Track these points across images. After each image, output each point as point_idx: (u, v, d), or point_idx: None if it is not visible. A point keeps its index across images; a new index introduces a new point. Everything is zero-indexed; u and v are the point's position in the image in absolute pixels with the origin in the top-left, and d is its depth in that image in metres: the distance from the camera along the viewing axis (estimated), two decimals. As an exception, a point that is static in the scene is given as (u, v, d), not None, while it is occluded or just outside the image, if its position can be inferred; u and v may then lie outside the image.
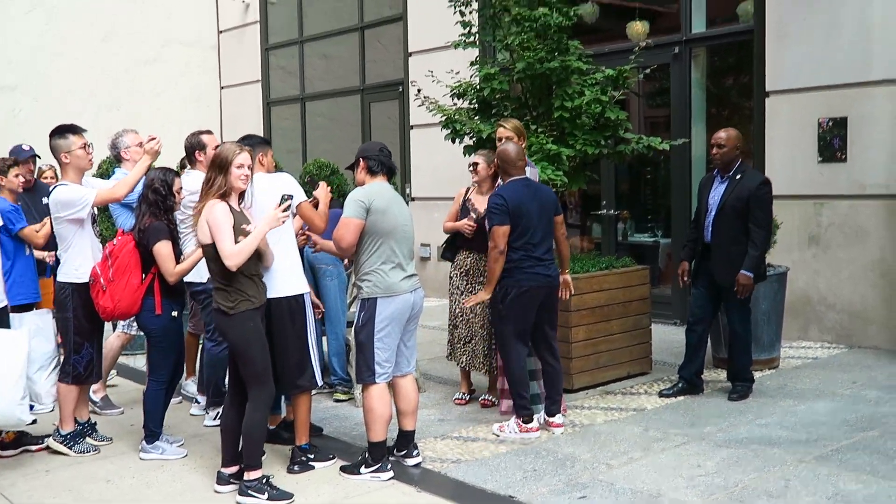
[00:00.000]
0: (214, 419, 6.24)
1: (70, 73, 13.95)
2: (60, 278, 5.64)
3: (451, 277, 6.57)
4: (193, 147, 6.26)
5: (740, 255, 6.23)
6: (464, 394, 6.64)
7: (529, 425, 5.74)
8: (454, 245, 6.58)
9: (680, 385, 6.54)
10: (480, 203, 6.39)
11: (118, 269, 5.40)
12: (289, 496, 4.86)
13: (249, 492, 4.85)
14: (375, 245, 5.06)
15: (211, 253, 4.86)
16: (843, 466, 4.95)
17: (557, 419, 5.89)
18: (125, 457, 5.67)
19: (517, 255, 5.66)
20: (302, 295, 5.27)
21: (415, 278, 5.18)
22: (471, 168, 6.49)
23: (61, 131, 5.68)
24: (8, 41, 13.55)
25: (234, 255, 4.76)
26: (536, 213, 5.70)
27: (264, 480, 4.91)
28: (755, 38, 8.58)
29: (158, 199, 5.48)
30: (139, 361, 7.58)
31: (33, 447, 5.79)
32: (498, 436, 5.76)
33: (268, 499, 4.83)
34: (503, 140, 6.10)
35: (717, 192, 6.39)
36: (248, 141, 5.40)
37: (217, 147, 5.12)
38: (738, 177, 6.33)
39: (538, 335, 5.84)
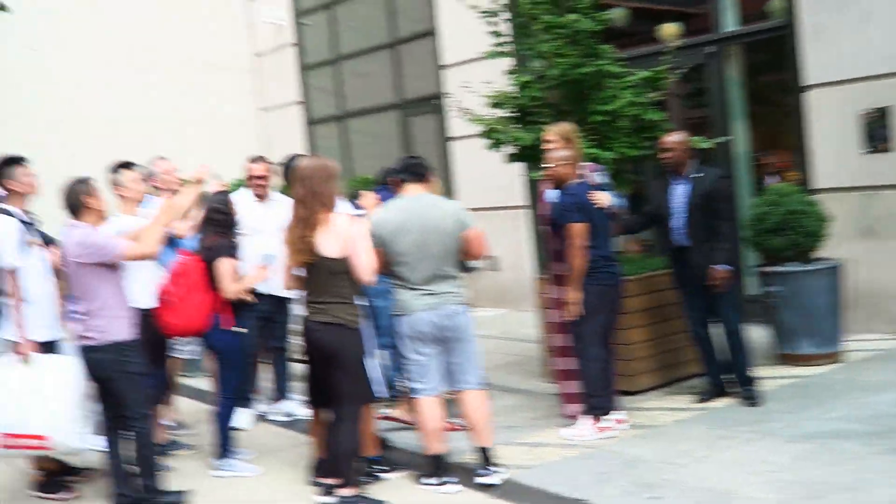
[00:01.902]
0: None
1: (114, 105, 14.16)
2: None
3: None
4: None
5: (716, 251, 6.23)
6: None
7: (602, 424, 5.79)
8: None
9: (713, 389, 6.48)
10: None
11: (189, 288, 5.55)
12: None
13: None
14: (395, 266, 5.15)
15: (339, 267, 4.89)
16: (918, 456, 4.92)
17: (620, 415, 5.95)
18: (196, 477, 5.76)
19: (592, 254, 5.76)
20: None
21: (437, 297, 5.13)
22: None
23: (119, 167, 5.83)
24: (51, 78, 13.81)
25: (374, 269, 4.94)
26: (601, 213, 5.84)
27: (359, 495, 5.02)
28: (789, 34, 8.57)
29: (223, 217, 5.70)
30: (201, 382, 7.69)
31: (71, 478, 5.82)
32: (571, 439, 5.78)
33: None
34: (546, 144, 6.17)
35: (679, 193, 6.35)
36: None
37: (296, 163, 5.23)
38: (696, 175, 6.32)
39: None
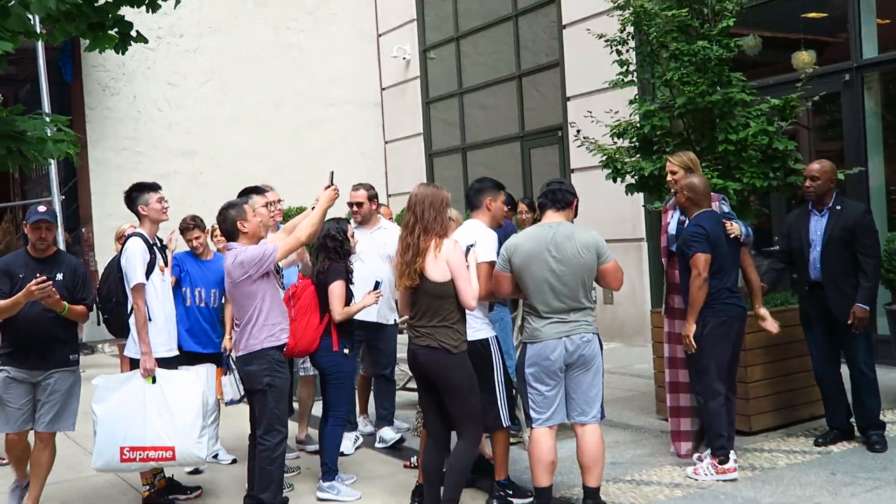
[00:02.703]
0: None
1: (244, 137, 14.75)
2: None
3: None
4: None
5: (853, 288, 5.89)
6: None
7: (726, 466, 5.51)
8: None
9: (834, 433, 6.13)
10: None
11: (300, 309, 5.71)
12: None
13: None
14: (526, 293, 5.05)
15: (444, 292, 4.91)
16: None
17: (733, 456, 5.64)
18: (300, 499, 5.80)
19: (716, 286, 5.59)
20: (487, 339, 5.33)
21: (570, 325, 4.95)
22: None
23: (245, 193, 5.99)
24: (187, 111, 14.50)
25: (477, 294, 4.97)
26: (727, 244, 5.65)
27: None
28: (934, 60, 8.15)
29: (336, 245, 5.83)
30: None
31: (181, 497, 5.90)
32: (695, 479, 5.54)
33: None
34: (670, 174, 6.02)
35: (819, 225, 6.05)
36: (481, 184, 5.52)
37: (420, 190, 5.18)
38: (838, 208, 6.00)
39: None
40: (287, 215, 8.78)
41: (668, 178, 6.07)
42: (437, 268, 4.90)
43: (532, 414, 5.02)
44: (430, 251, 4.91)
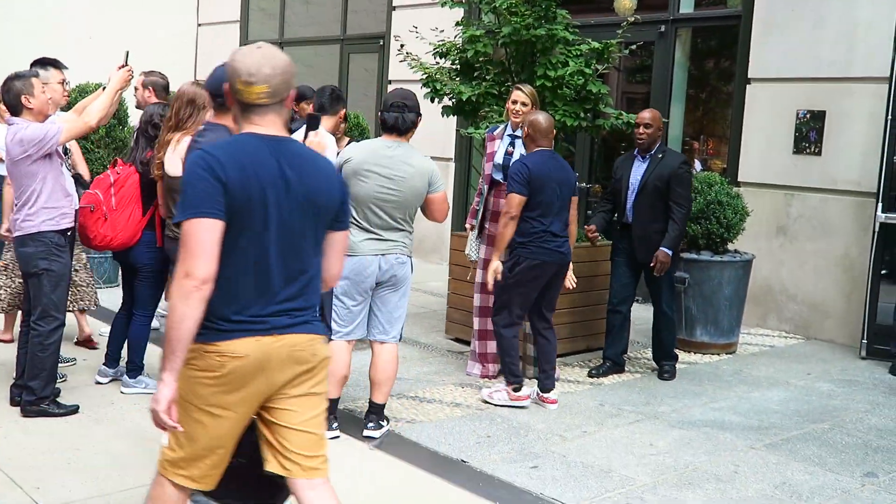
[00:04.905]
0: None
1: (47, 6, 13.56)
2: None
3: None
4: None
5: (660, 234, 6.22)
6: None
7: (519, 393, 5.70)
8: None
9: (607, 365, 6.52)
10: None
11: (121, 199, 5.40)
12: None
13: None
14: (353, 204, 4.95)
15: (178, 186, 4.91)
16: (792, 456, 5.02)
17: (552, 395, 5.77)
18: (77, 390, 5.59)
19: (535, 228, 5.56)
20: None
21: (387, 244, 4.92)
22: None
23: (41, 64, 5.51)
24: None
25: None
26: (557, 188, 5.63)
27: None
28: (742, 24, 8.57)
29: (157, 133, 5.41)
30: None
31: None
32: (488, 402, 5.71)
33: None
34: (517, 104, 6.03)
35: (638, 171, 6.34)
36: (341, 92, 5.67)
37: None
38: (659, 156, 6.30)
39: (536, 309, 5.77)
40: (86, 91, 8.23)
41: (512, 107, 6.09)
42: (172, 162, 4.98)
43: (333, 326, 5.00)
44: (171, 145, 5.00)
